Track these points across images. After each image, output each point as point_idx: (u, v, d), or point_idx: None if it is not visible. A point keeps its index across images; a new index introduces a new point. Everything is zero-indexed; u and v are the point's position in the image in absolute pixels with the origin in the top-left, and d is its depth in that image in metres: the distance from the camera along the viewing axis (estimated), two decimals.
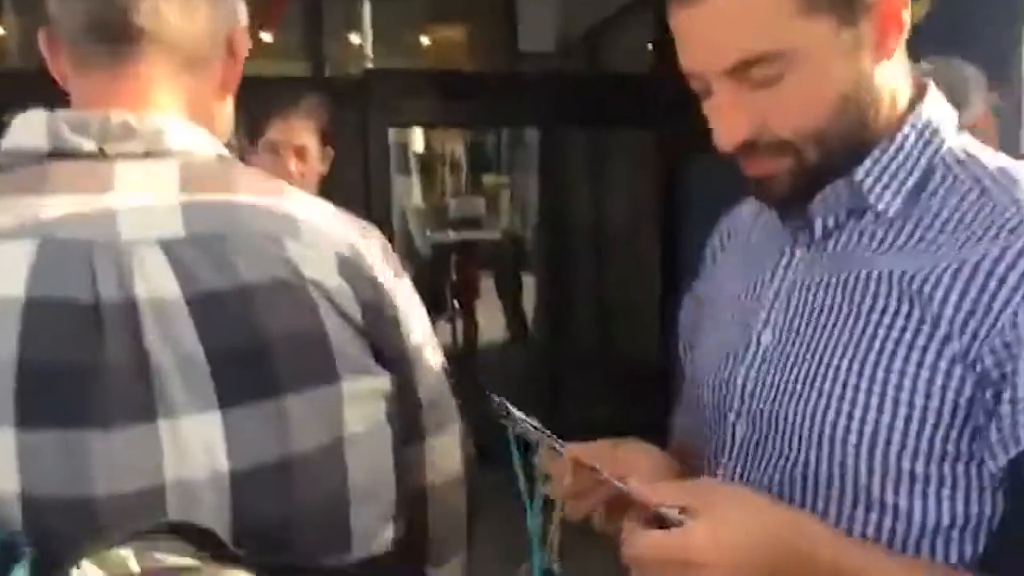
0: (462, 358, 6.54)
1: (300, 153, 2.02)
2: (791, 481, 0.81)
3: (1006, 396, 0.73)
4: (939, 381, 0.75)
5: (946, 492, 0.76)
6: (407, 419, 0.86)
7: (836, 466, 0.78)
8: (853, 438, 0.77)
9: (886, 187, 0.81)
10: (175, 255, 0.74)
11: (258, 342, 0.74)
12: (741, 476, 0.85)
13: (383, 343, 0.82)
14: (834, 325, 0.81)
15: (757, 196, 0.87)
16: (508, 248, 7.08)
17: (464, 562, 0.94)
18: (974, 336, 0.74)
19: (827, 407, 0.79)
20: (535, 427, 0.85)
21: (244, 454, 0.73)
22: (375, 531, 0.81)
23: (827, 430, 0.78)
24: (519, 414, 0.85)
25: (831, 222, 0.84)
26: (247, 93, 0.95)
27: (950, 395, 0.75)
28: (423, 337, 0.88)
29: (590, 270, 5.82)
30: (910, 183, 0.81)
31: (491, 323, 7.02)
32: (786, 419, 0.81)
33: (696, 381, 0.95)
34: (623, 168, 5.48)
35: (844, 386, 0.78)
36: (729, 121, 0.80)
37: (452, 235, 5.97)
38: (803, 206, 0.84)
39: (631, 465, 0.83)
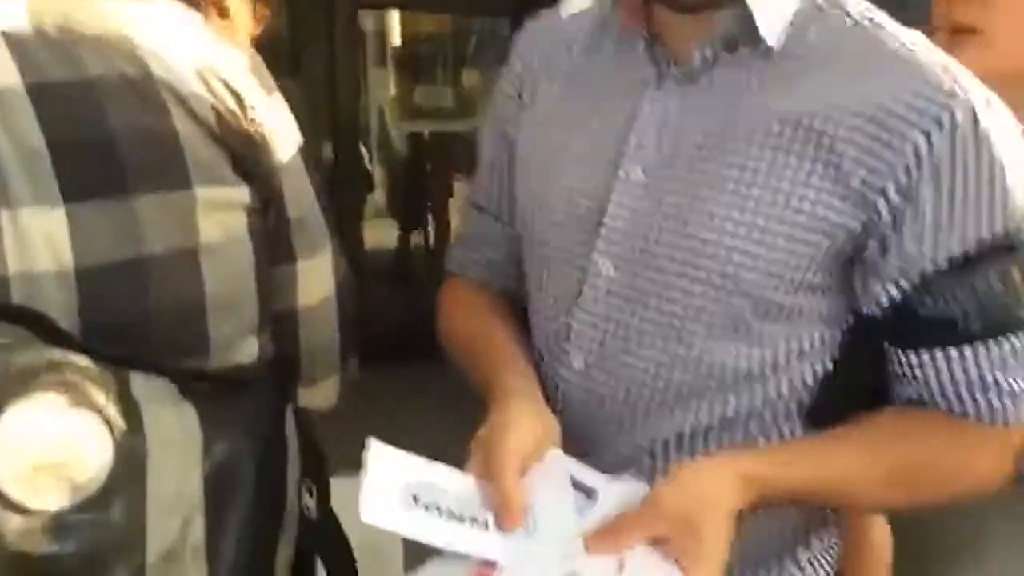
0: (437, 258, 6.52)
1: (222, 8, 1.94)
2: (669, 316, 0.81)
3: (907, 230, 0.76)
4: (834, 218, 0.77)
5: (807, 319, 0.81)
6: (276, 238, 0.86)
7: (719, 303, 0.79)
8: (743, 274, 0.78)
9: (771, 20, 0.80)
10: (17, 45, 0.73)
11: (103, 137, 0.74)
12: (606, 316, 0.84)
13: (244, 155, 0.81)
14: (719, 161, 0.80)
15: None
16: None
17: (337, 385, 0.96)
18: (874, 171, 0.75)
19: (717, 243, 0.79)
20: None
21: (90, 250, 0.74)
22: (235, 342, 0.82)
23: (717, 266, 0.79)
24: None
25: (708, 54, 0.82)
26: None
27: (838, 231, 0.77)
28: (292, 155, 0.87)
29: None
30: (789, 17, 0.81)
31: None
32: (667, 257, 0.81)
33: (527, 218, 0.92)
34: None
35: (736, 223, 0.78)
36: None
37: (420, 126, 5.82)
38: (697, 25, 0.81)
39: (508, 467, 0.74)
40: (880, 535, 0.99)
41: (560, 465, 0.78)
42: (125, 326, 0.76)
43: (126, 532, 0.66)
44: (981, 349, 0.77)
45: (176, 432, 0.70)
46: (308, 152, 0.91)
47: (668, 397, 0.82)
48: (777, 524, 0.84)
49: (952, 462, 0.80)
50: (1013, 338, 0.77)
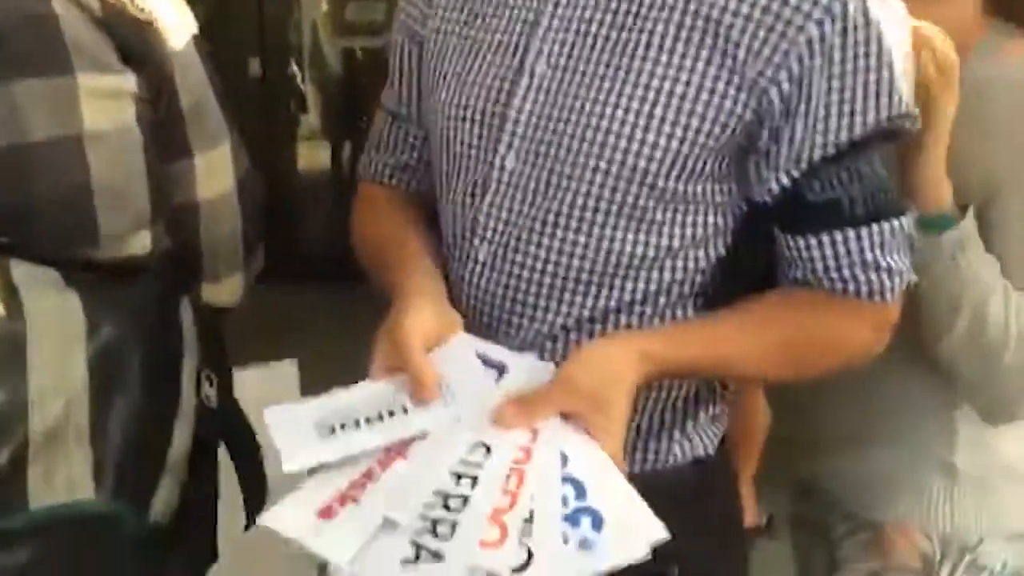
0: None
1: None
2: (570, 205, 0.83)
3: (798, 119, 0.78)
4: (728, 106, 0.79)
5: (702, 207, 0.83)
6: (170, 130, 0.85)
7: (618, 192, 0.82)
8: (642, 163, 0.80)
9: None
10: None
11: None
12: (510, 208, 0.86)
13: (131, 41, 0.79)
14: (621, 54, 0.81)
15: None
16: None
17: (242, 282, 0.96)
18: (768, 61, 0.77)
19: (619, 134, 0.80)
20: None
21: None
22: (127, 233, 0.81)
23: (618, 156, 0.81)
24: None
25: None
26: None
27: (733, 120, 0.79)
28: (185, 43, 0.85)
29: None
30: None
31: None
32: (569, 149, 0.82)
33: (434, 117, 0.92)
34: None
35: (637, 114, 0.80)
36: None
37: (353, 42, 5.69)
38: None
39: (414, 344, 0.77)
40: (761, 415, 1.04)
41: (466, 342, 0.80)
42: (7, 213, 0.74)
43: (6, 412, 0.66)
44: (864, 231, 0.80)
45: (58, 318, 0.70)
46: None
47: (569, 284, 0.85)
48: (668, 398, 0.88)
49: (833, 336, 0.84)
50: (894, 220, 0.81)
